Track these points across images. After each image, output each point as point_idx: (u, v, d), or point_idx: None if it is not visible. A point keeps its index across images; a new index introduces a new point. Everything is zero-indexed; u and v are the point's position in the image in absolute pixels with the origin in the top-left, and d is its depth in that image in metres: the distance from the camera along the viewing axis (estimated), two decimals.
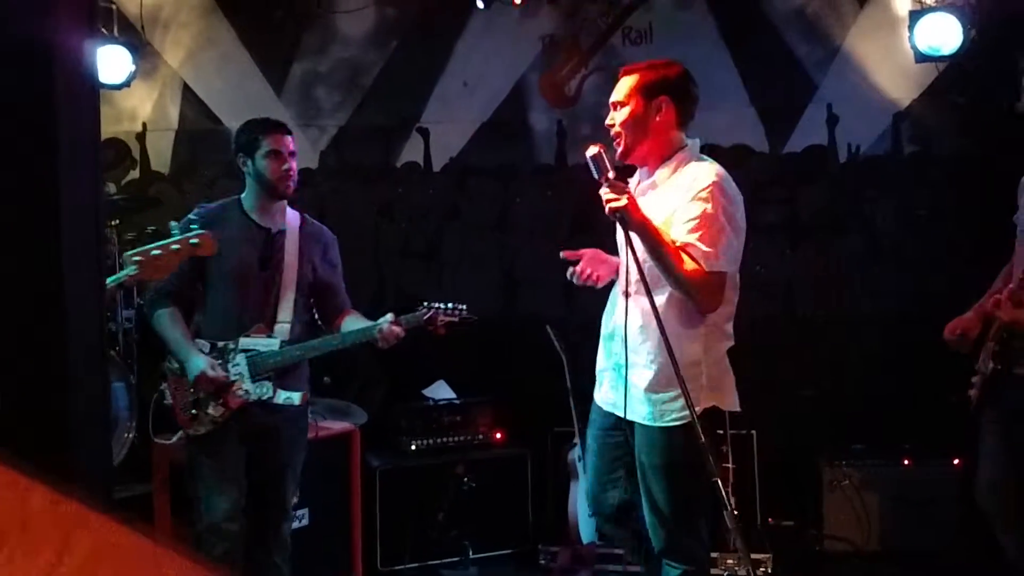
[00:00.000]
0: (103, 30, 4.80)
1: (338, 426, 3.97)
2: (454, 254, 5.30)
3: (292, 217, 3.25)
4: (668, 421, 2.59)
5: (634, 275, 2.56)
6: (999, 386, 3.06)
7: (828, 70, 4.99)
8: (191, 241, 2.69)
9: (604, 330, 2.81)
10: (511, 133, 5.25)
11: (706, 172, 2.61)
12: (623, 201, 2.47)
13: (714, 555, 3.96)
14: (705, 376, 2.62)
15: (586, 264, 2.84)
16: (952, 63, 4.61)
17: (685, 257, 2.53)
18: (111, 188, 5.18)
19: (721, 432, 2.72)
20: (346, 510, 3.96)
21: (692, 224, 2.54)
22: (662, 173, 2.68)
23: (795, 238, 5.07)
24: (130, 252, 2.61)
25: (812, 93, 5.00)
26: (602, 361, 2.81)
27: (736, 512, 4.12)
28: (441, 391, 4.67)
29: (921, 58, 4.54)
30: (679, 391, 2.52)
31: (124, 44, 4.91)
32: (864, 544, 4.34)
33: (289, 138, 3.19)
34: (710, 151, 5.08)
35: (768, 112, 5.04)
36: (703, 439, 2.27)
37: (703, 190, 2.55)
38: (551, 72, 5.21)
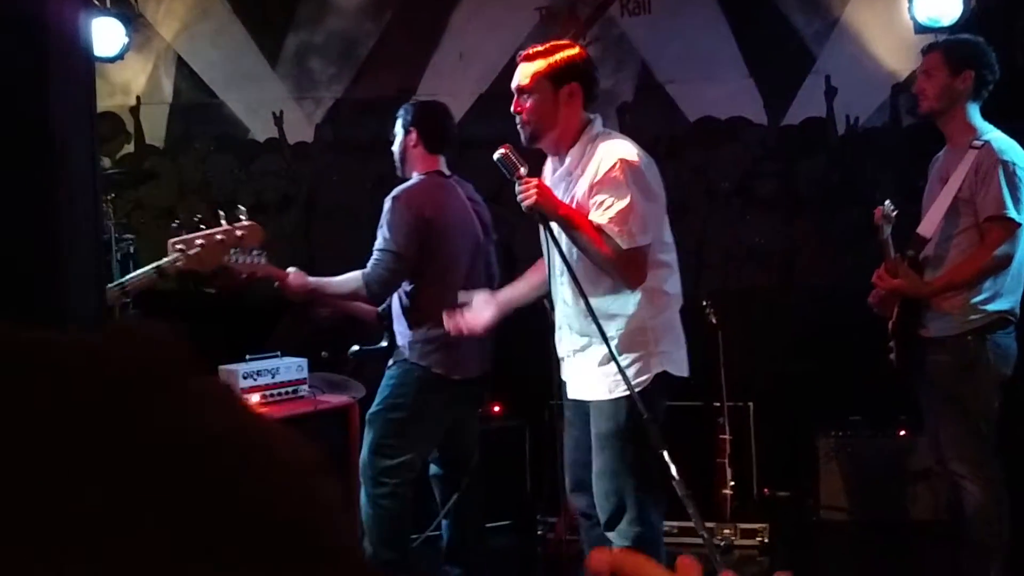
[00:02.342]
0: (95, 1, 4.74)
1: (336, 399, 3.98)
2: None
3: None
4: (621, 392, 2.62)
5: (559, 266, 2.62)
6: (912, 349, 3.17)
7: (827, 41, 4.96)
8: (237, 232, 2.69)
9: (556, 321, 2.85)
10: (507, 105, 5.20)
11: (609, 150, 2.62)
12: (533, 197, 2.51)
13: (710, 525, 3.99)
14: (652, 341, 2.67)
15: (468, 316, 2.91)
16: (952, 34, 4.58)
17: (605, 238, 2.56)
18: (106, 162, 5.15)
19: (666, 398, 2.75)
20: (345, 483, 3.98)
21: (602, 206, 2.57)
22: (571, 161, 2.70)
23: (793, 210, 5.06)
24: (173, 240, 2.61)
25: (810, 65, 4.97)
26: (560, 352, 2.85)
27: (732, 482, 4.16)
28: None
29: (920, 29, 4.51)
30: (629, 359, 2.63)
31: (117, 16, 4.86)
32: (860, 514, 4.37)
33: None
34: (708, 123, 5.13)
35: (766, 84, 5.01)
36: (645, 414, 2.35)
37: (609, 169, 2.58)
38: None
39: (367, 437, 3.28)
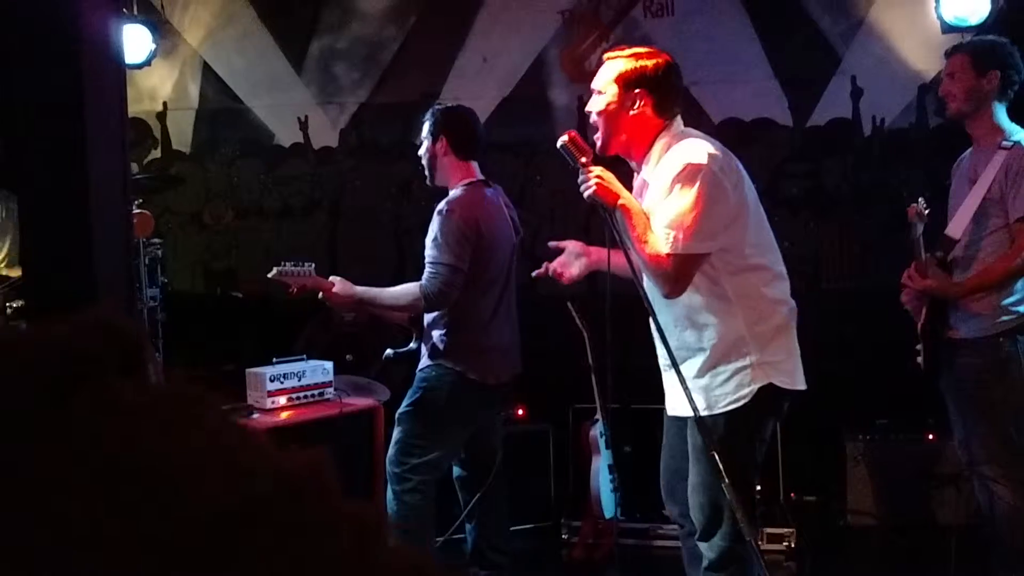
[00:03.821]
0: (123, 9, 4.80)
1: (361, 402, 4.00)
2: None
3: None
4: (722, 407, 2.51)
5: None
6: (940, 352, 3.14)
7: (852, 42, 4.92)
8: None
9: (654, 330, 2.68)
10: (531, 109, 5.22)
11: (678, 154, 2.50)
12: (593, 187, 2.44)
13: None
14: (755, 351, 2.51)
15: (557, 262, 2.79)
16: (980, 33, 4.53)
17: (651, 239, 2.46)
18: (133, 168, 5.21)
19: (775, 414, 2.60)
20: (370, 486, 3.99)
21: (662, 208, 2.48)
22: (647, 170, 2.60)
23: (820, 212, 5.02)
24: None
25: (836, 65, 4.93)
26: (660, 362, 2.71)
27: (758, 487, 4.13)
28: None
29: (948, 28, 4.46)
30: (727, 373, 2.50)
31: (143, 23, 4.92)
32: (888, 519, 4.33)
33: None
34: (733, 125, 5.10)
35: (792, 85, 4.98)
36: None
37: (672, 173, 2.47)
38: (571, 47, 5.17)
39: (395, 434, 3.30)
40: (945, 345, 3.14)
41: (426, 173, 3.36)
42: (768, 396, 2.52)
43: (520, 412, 4.61)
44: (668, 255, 2.45)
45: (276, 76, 5.37)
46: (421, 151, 3.34)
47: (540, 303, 4.80)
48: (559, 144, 2.55)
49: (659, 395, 2.78)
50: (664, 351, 2.49)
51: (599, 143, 2.63)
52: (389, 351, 3.46)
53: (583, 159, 2.51)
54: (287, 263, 3.22)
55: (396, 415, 3.33)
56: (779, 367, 2.55)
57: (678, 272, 2.46)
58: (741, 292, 2.53)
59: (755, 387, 2.50)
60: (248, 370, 3.49)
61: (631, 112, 2.56)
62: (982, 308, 3.06)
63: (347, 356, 4.32)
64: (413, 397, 3.30)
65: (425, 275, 3.14)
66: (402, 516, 3.22)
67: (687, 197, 2.45)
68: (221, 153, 5.57)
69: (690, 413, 2.51)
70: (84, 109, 1.37)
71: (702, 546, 2.64)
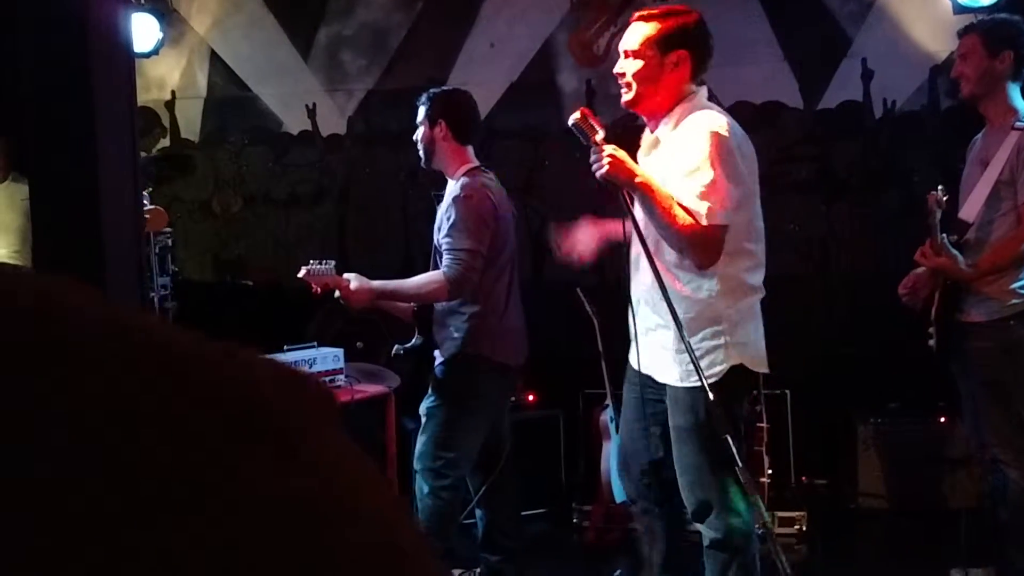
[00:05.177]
0: None
1: (372, 389, 4.01)
2: None
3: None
4: (694, 381, 2.52)
5: (636, 241, 2.53)
6: (952, 335, 3.12)
7: (863, 23, 4.88)
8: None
9: (632, 295, 2.76)
10: (539, 94, 5.20)
11: (705, 122, 2.50)
12: (606, 166, 2.43)
13: None
14: (728, 331, 2.55)
15: (569, 243, 2.81)
16: (991, 13, 4.49)
17: (680, 212, 2.45)
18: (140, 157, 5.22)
19: (753, 391, 2.65)
20: (382, 471, 4.01)
21: (688, 177, 2.47)
22: (664, 129, 2.60)
23: (830, 195, 5.00)
24: None
25: (847, 47, 4.90)
26: (633, 326, 2.75)
27: (769, 470, 4.14)
28: None
29: (959, 9, 4.41)
30: (702, 349, 2.52)
31: (151, 11, 4.91)
32: (899, 502, 4.33)
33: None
34: (742, 107, 5.07)
35: (801, 68, 4.95)
36: (711, 397, 2.27)
37: (699, 140, 2.47)
38: (579, 31, 5.15)
39: (426, 432, 3.24)
40: (957, 328, 3.13)
41: (422, 157, 3.32)
42: (739, 376, 2.56)
43: (531, 398, 4.62)
44: (706, 226, 2.46)
45: (284, 64, 5.37)
46: (417, 135, 3.31)
47: (550, 290, 4.81)
48: (571, 121, 2.53)
49: None
50: (646, 315, 2.59)
51: (627, 99, 2.61)
52: (397, 347, 3.43)
53: (596, 136, 2.49)
54: (313, 262, 3.18)
55: (423, 411, 3.28)
56: (750, 349, 2.59)
57: (716, 242, 2.48)
58: (728, 274, 2.56)
59: (726, 366, 2.53)
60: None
61: (670, 74, 2.57)
62: (993, 291, 3.04)
63: (358, 343, 4.34)
64: (441, 391, 3.25)
65: (446, 262, 3.10)
66: (436, 512, 3.19)
67: (718, 169, 2.46)
68: (230, 141, 5.58)
69: (668, 380, 2.59)
70: (94, 98, 1.37)
71: (700, 527, 2.65)
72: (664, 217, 2.45)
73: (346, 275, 3.17)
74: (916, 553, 4.05)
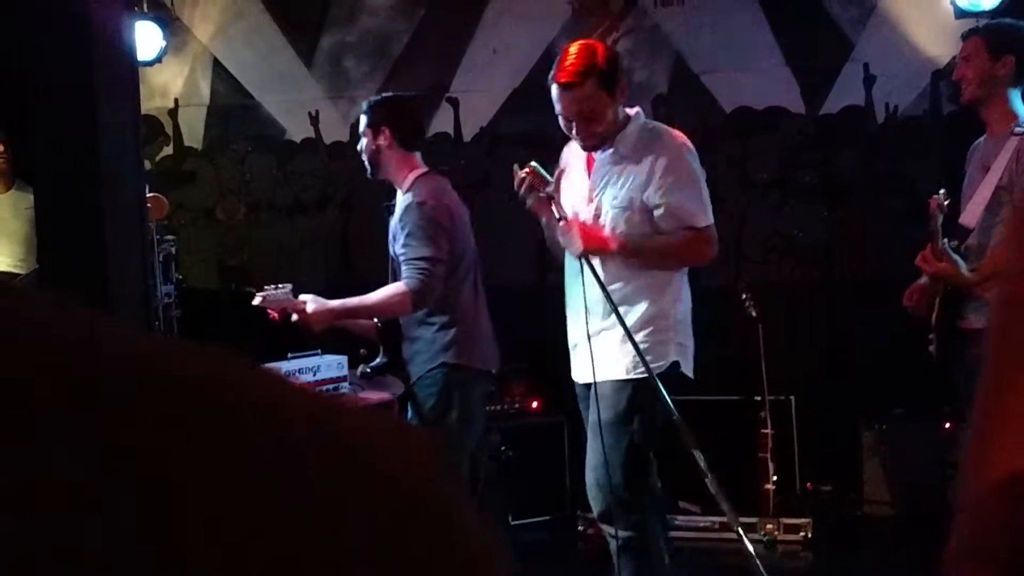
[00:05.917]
0: (134, 7, 4.82)
1: (376, 396, 4.00)
2: (485, 224, 5.27)
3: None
4: (636, 373, 2.61)
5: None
6: (953, 342, 3.12)
7: (864, 28, 4.88)
8: None
9: (569, 308, 2.84)
10: (542, 100, 5.18)
11: (671, 138, 2.70)
12: (579, 244, 2.55)
13: (752, 520, 3.96)
14: (672, 329, 2.68)
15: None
16: (993, 18, 4.49)
17: (672, 240, 2.63)
18: (145, 165, 5.23)
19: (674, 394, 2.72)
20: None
21: (676, 190, 2.62)
22: (626, 147, 2.70)
23: (833, 201, 4.99)
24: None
25: (848, 52, 4.90)
26: (574, 337, 2.83)
27: (774, 477, 4.12)
28: None
29: (961, 14, 4.42)
30: (647, 344, 2.60)
31: (154, 19, 4.93)
32: (905, 508, 4.31)
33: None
34: (745, 114, 5.08)
35: (803, 73, 4.95)
36: (658, 383, 2.39)
37: (677, 156, 2.65)
38: (581, 36, 5.15)
39: None
40: (957, 335, 3.11)
41: (368, 168, 3.19)
42: (675, 376, 2.65)
43: (535, 404, 4.62)
44: (703, 228, 2.65)
45: (286, 71, 5.38)
46: (361, 145, 3.17)
47: (554, 296, 4.80)
48: (519, 179, 2.66)
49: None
50: (596, 320, 2.67)
51: (592, 146, 2.74)
52: (365, 368, 3.32)
53: (549, 188, 2.65)
54: (268, 287, 3.05)
55: None
56: (686, 351, 2.72)
57: (710, 240, 2.69)
58: (678, 277, 2.72)
59: (666, 362, 2.64)
60: (263, 366, 3.49)
61: (615, 104, 2.69)
62: (994, 296, 3.03)
63: (361, 350, 4.33)
64: (427, 409, 3.12)
65: (406, 273, 2.98)
66: None
67: (695, 177, 2.67)
68: (232, 149, 5.59)
69: (611, 376, 2.66)
70: (98, 106, 1.37)
71: (607, 529, 2.69)
72: (663, 252, 2.66)
73: (302, 296, 3.05)
74: (922, 559, 4.01)
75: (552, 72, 2.73)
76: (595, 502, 2.78)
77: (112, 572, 0.22)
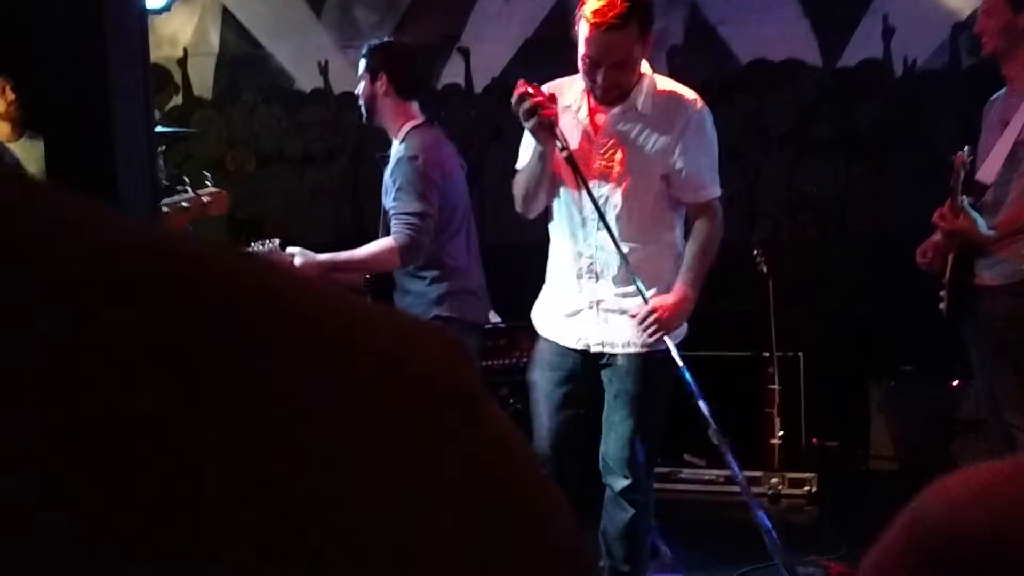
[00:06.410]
0: None
1: None
2: (496, 178, 5.26)
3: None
4: (661, 345, 2.48)
5: (590, 211, 2.49)
6: (964, 299, 3.10)
7: None
8: (203, 200, 2.65)
9: (570, 269, 2.64)
10: (555, 50, 5.10)
11: (690, 98, 2.51)
12: (661, 328, 2.47)
13: (757, 474, 4.00)
14: None
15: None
16: None
17: (708, 240, 2.55)
18: (155, 115, 5.21)
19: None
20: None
21: (697, 155, 2.50)
22: (643, 103, 2.48)
23: (850, 155, 4.94)
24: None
25: (867, 4, 4.80)
26: (574, 301, 2.64)
27: (780, 432, 4.15)
28: None
29: None
30: None
31: None
32: (910, 464, 4.34)
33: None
34: (762, 66, 5.00)
35: (821, 24, 4.86)
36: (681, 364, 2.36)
37: (704, 115, 2.52)
38: None
39: None
40: (969, 292, 3.10)
41: (363, 113, 3.18)
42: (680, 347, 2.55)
43: None
44: (716, 198, 2.58)
45: (296, 20, 5.32)
46: (358, 90, 3.16)
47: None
48: (521, 98, 2.49)
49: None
50: (608, 287, 2.54)
51: (610, 99, 2.50)
52: None
53: (563, 147, 2.42)
54: (254, 244, 3.06)
55: None
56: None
57: (721, 209, 2.62)
58: (676, 235, 2.62)
59: (683, 331, 2.57)
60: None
61: (646, 50, 2.49)
62: (1009, 253, 3.01)
63: None
64: None
65: (395, 227, 2.97)
66: None
67: (714, 145, 2.58)
68: (242, 99, 5.55)
69: (633, 349, 2.54)
70: (107, 56, 1.36)
71: (626, 499, 2.58)
72: (712, 250, 2.57)
73: (290, 249, 3.04)
74: None
75: (586, 10, 2.35)
76: (613, 478, 2.63)
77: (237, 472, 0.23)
